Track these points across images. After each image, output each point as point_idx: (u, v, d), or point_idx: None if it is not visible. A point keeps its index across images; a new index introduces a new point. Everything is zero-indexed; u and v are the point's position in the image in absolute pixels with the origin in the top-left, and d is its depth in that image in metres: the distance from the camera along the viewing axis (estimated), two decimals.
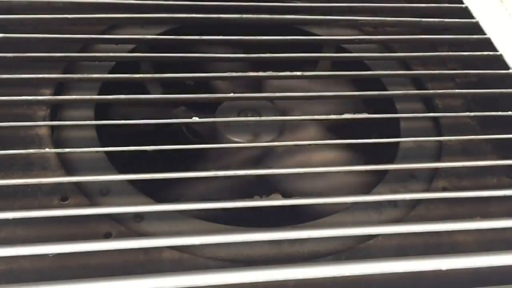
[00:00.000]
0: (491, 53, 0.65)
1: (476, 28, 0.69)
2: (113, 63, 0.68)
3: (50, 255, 0.44)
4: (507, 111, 0.58)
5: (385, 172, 0.60)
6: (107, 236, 0.48)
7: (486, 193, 0.50)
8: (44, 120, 0.59)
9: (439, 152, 0.62)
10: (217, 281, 0.41)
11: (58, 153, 0.55)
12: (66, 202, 0.51)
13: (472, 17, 0.70)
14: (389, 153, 0.64)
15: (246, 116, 0.71)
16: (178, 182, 0.65)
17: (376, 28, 0.78)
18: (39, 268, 0.44)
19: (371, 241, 0.50)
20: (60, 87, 0.64)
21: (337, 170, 0.54)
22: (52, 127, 0.58)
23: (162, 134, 0.73)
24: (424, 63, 0.74)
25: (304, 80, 0.71)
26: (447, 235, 0.51)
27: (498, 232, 0.50)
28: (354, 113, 0.63)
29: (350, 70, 0.63)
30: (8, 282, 0.43)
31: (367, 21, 0.70)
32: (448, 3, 0.73)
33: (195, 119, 0.57)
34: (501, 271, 0.46)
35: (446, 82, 0.69)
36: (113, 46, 0.69)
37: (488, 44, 0.66)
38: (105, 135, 0.60)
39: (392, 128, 0.67)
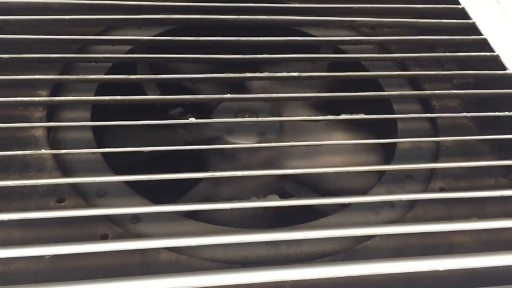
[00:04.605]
0: (488, 53, 0.65)
1: (473, 29, 0.69)
2: (110, 64, 0.68)
3: (47, 257, 0.44)
4: (505, 111, 0.58)
5: (382, 173, 0.60)
6: (103, 238, 0.48)
7: (483, 193, 0.51)
8: (40, 121, 0.59)
9: (436, 153, 0.62)
10: (214, 282, 0.41)
11: (54, 154, 0.55)
12: (63, 204, 0.51)
13: (469, 18, 0.70)
14: (390, 130, 0.64)
15: (244, 117, 0.71)
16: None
17: (373, 29, 0.78)
18: (36, 269, 0.44)
19: (368, 242, 0.50)
20: (57, 88, 0.64)
21: (338, 171, 0.54)
22: (48, 128, 0.58)
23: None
24: (421, 64, 0.74)
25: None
26: (444, 235, 0.51)
27: (495, 232, 0.50)
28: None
29: (348, 71, 0.63)
30: (4, 283, 0.43)
31: (364, 22, 0.70)
32: (445, 4, 0.73)
33: (192, 119, 0.57)
34: (498, 271, 0.46)
35: (443, 83, 0.69)
36: (110, 47, 0.69)
37: (484, 45, 0.66)
38: (102, 136, 0.60)
39: (390, 129, 0.67)
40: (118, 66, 0.68)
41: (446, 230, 0.49)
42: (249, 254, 0.48)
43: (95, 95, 0.64)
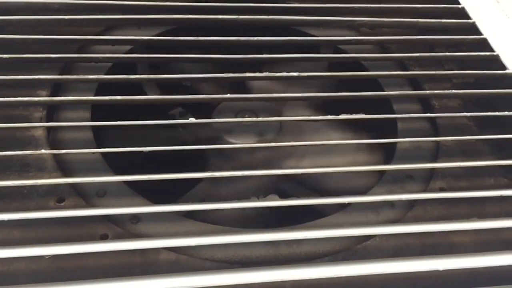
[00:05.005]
0: (487, 53, 0.65)
1: (473, 29, 0.69)
2: (110, 64, 0.68)
3: (46, 257, 0.44)
4: (505, 111, 0.58)
5: (382, 173, 0.60)
6: (103, 238, 0.48)
7: (483, 193, 0.51)
8: (40, 121, 0.59)
9: (436, 153, 0.62)
10: (214, 282, 0.41)
11: (54, 155, 0.55)
12: (63, 204, 0.50)
13: (469, 18, 0.70)
14: (390, 130, 0.64)
15: (244, 117, 0.71)
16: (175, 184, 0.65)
17: (373, 29, 0.78)
18: (36, 269, 0.44)
19: (368, 242, 0.50)
20: (57, 88, 0.64)
21: (338, 171, 0.54)
22: (48, 128, 0.58)
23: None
24: (421, 63, 0.74)
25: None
26: (444, 235, 0.51)
27: (495, 232, 0.50)
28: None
29: (347, 71, 0.63)
30: (4, 283, 0.43)
31: (364, 22, 0.70)
32: (445, 4, 0.73)
33: (192, 119, 0.57)
34: (498, 271, 0.46)
35: (443, 83, 0.69)
36: (110, 47, 0.69)
37: (484, 45, 0.66)
38: (101, 137, 0.60)
39: (389, 128, 0.67)
40: (118, 66, 0.68)
41: (446, 230, 0.49)
42: (249, 254, 0.48)
43: (95, 95, 0.64)
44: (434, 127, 0.66)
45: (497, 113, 0.58)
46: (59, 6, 0.65)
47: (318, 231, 0.46)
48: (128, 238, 0.47)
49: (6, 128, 0.53)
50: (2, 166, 0.53)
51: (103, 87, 0.64)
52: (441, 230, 0.49)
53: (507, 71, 0.62)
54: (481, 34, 0.68)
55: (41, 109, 0.60)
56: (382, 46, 0.77)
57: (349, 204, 0.55)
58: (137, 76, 0.62)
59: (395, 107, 0.69)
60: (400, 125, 0.66)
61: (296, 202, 0.50)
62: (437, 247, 0.50)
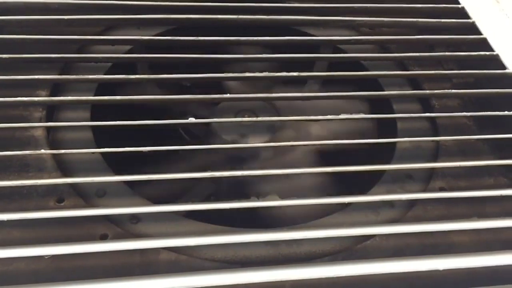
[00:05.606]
0: (487, 53, 0.65)
1: (473, 28, 0.69)
2: (110, 64, 0.68)
3: (46, 257, 0.44)
4: (504, 111, 0.58)
5: (382, 172, 0.60)
6: (103, 238, 0.48)
7: (483, 193, 0.50)
8: (40, 122, 0.59)
9: (436, 153, 0.62)
10: (213, 282, 0.41)
11: (54, 155, 0.55)
12: (62, 204, 0.50)
13: (469, 17, 0.70)
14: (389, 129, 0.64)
15: (243, 117, 0.71)
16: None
17: (373, 28, 0.78)
18: (35, 269, 0.44)
19: (368, 242, 0.50)
20: (56, 88, 0.64)
21: (337, 171, 0.54)
22: (48, 128, 0.58)
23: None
24: (421, 63, 0.74)
25: None
26: (444, 235, 0.51)
27: (495, 232, 0.51)
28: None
29: (347, 70, 0.63)
30: (3, 284, 0.42)
31: (364, 21, 0.70)
32: (445, 4, 0.73)
33: (192, 119, 0.57)
34: (498, 271, 0.46)
35: (443, 83, 0.69)
36: (110, 47, 0.69)
37: (484, 44, 0.66)
38: (101, 136, 0.60)
39: (389, 128, 0.67)
40: (118, 66, 0.68)
41: (446, 230, 0.49)
42: (249, 254, 0.48)
43: (94, 95, 0.64)
44: (434, 127, 0.66)
45: (497, 113, 0.58)
46: (58, 6, 0.65)
47: (318, 231, 0.46)
48: (128, 238, 0.47)
49: (6, 128, 0.53)
50: (1, 166, 0.53)
51: (103, 87, 0.64)
52: (441, 230, 0.49)
53: (507, 71, 0.62)
54: (481, 34, 0.68)
55: (40, 109, 0.60)
56: (382, 46, 0.77)
57: (349, 204, 0.55)
58: (137, 76, 0.62)
59: (395, 107, 0.69)
60: (400, 125, 0.66)
61: (296, 202, 0.50)
62: (437, 247, 0.50)
